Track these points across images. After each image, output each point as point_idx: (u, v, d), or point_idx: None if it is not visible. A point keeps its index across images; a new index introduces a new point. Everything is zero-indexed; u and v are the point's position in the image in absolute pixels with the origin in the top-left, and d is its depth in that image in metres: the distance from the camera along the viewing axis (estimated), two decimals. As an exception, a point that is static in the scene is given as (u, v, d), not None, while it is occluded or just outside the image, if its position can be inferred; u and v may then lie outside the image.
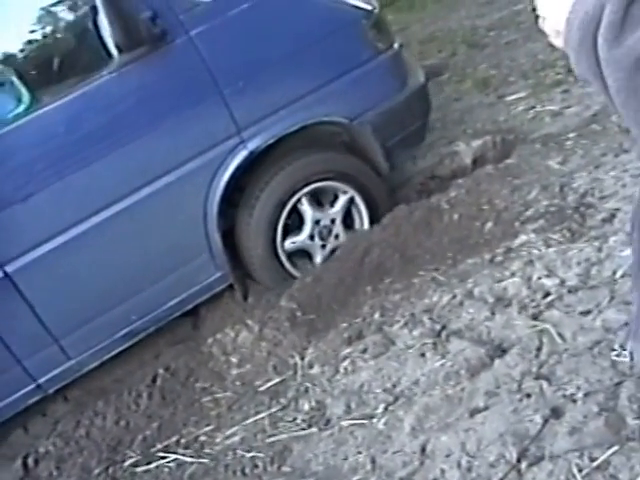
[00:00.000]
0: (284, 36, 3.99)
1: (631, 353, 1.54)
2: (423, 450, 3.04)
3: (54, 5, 3.92)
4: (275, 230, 4.19)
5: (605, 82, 1.09)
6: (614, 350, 3.11)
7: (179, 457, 3.58)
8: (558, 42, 1.20)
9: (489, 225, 4.11)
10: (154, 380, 4.04)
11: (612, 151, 4.36)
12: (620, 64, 1.05)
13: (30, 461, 3.89)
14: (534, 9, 1.30)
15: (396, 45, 4.37)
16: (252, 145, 3.96)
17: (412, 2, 8.21)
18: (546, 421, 2.92)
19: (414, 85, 4.44)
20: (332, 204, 4.37)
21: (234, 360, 3.99)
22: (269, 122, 3.97)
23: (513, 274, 3.71)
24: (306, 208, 4.25)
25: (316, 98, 4.06)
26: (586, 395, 2.96)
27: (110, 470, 3.65)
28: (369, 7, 4.25)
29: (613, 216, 3.83)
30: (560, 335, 3.28)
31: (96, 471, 3.68)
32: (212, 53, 3.80)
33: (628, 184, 4.01)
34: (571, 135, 4.59)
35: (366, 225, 4.40)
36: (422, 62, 6.48)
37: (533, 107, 5.12)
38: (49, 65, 4.06)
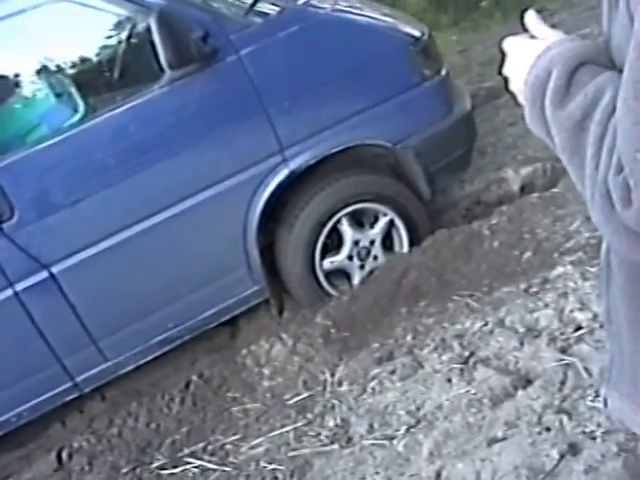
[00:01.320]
0: (331, 58, 4.05)
1: (605, 400, 1.57)
2: (438, 476, 3.06)
3: (114, 21, 4.05)
4: (314, 249, 4.24)
5: (553, 140, 1.19)
6: (589, 396, 3.12)
7: (204, 463, 3.65)
8: (521, 100, 1.27)
9: (528, 254, 4.12)
10: (187, 386, 4.12)
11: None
12: (563, 125, 1.15)
13: (64, 455, 4.00)
14: (500, 72, 1.38)
15: (443, 72, 4.41)
16: (294, 164, 4.02)
17: (476, 24, 8.20)
18: (562, 457, 2.93)
19: (460, 112, 4.47)
20: (372, 225, 4.41)
21: (266, 372, 4.05)
22: (312, 142, 4.03)
23: (546, 305, 3.70)
24: (346, 228, 4.30)
25: (360, 120, 4.10)
26: (606, 433, 2.95)
27: (137, 470, 3.74)
28: (418, 33, 4.31)
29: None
30: (586, 370, 3.27)
31: (124, 470, 3.77)
32: (260, 72, 3.88)
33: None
34: (621, 170, 4.58)
35: (405, 248, 4.43)
36: (481, 84, 6.52)
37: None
38: (105, 77, 4.20)
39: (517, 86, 1.29)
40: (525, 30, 1.36)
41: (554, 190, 4.60)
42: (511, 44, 1.35)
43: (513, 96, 1.33)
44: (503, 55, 1.36)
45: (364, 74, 4.11)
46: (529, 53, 1.25)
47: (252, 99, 3.90)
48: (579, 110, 1.13)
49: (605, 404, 1.57)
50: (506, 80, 1.34)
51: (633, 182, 1.02)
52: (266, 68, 3.92)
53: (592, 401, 3.10)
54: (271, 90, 3.96)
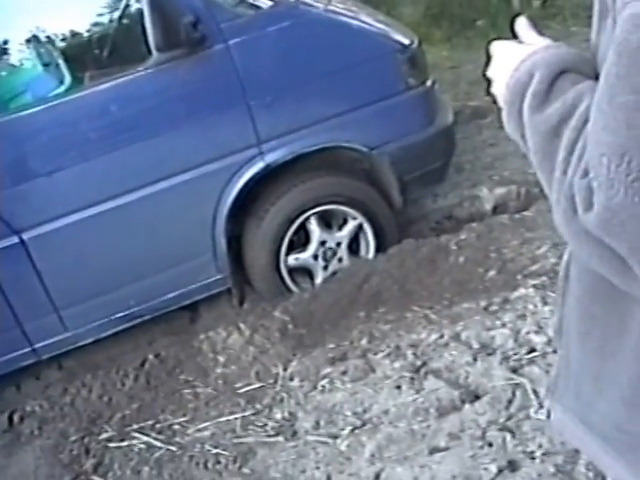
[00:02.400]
0: (318, 58, 4.09)
1: (548, 412, 1.61)
2: (377, 477, 3.12)
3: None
4: (280, 244, 4.28)
5: (527, 143, 1.21)
6: (533, 407, 3.19)
7: (150, 440, 3.69)
8: (500, 103, 1.31)
9: (492, 273, 4.17)
10: (143, 364, 4.16)
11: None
12: (538, 129, 1.17)
13: (16, 417, 4.06)
14: (484, 74, 1.41)
15: (429, 82, 4.45)
16: (270, 158, 4.07)
17: (470, 42, 8.22)
18: (500, 472, 2.99)
19: (441, 124, 4.51)
20: (340, 228, 4.45)
21: (221, 359, 4.09)
22: (290, 139, 4.07)
23: (504, 325, 3.76)
24: (314, 227, 4.34)
25: (339, 122, 4.15)
26: (545, 454, 3.01)
27: (85, 440, 3.76)
28: (407, 41, 4.34)
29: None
30: (535, 392, 3.33)
31: (73, 438, 3.80)
32: (246, 64, 3.92)
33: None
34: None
35: (371, 254, 4.47)
36: (467, 102, 6.57)
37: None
38: (93, 53, 4.24)
39: (499, 88, 1.32)
40: (514, 36, 1.39)
41: (525, 213, 4.66)
42: (498, 47, 1.38)
43: (494, 100, 1.36)
44: (489, 57, 1.39)
45: (349, 76, 4.15)
46: (514, 57, 1.28)
47: (235, 90, 3.93)
48: (556, 115, 1.15)
49: (548, 416, 1.61)
50: (489, 82, 1.38)
51: (596, 185, 1.04)
52: (253, 60, 3.96)
53: (536, 413, 3.16)
54: (255, 83, 3.99)
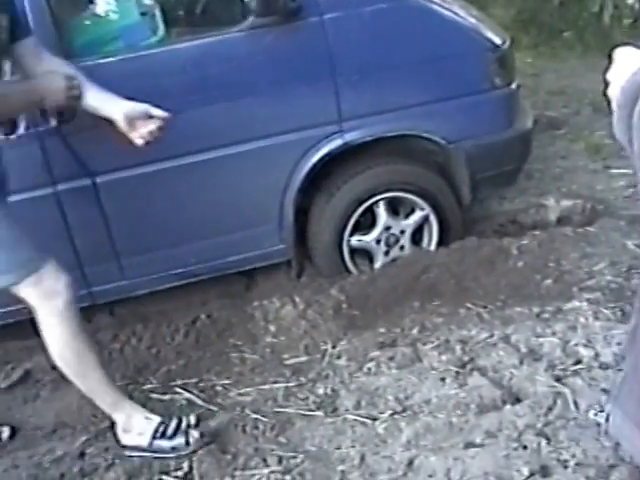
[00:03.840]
0: (409, 44, 4.11)
1: (608, 415, 1.64)
2: (410, 463, 3.15)
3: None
4: (346, 223, 4.32)
5: (632, 146, 1.25)
6: (594, 409, 3.20)
7: (192, 397, 3.76)
8: (613, 106, 1.34)
9: (548, 282, 4.19)
10: (194, 322, 4.24)
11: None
12: None
13: (66, 355, 4.13)
14: (603, 76, 1.45)
15: (514, 85, 4.46)
16: (349, 137, 4.10)
17: (555, 52, 8.21)
18: (532, 475, 3.00)
19: (520, 128, 4.52)
20: (407, 216, 4.48)
21: (272, 329, 4.15)
22: (371, 120, 4.11)
23: (554, 334, 3.78)
24: (381, 212, 4.38)
25: (421, 112, 4.18)
26: (578, 465, 3.02)
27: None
28: (498, 41, 4.35)
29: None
30: (575, 403, 3.34)
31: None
32: (338, 40, 3.96)
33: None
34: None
35: (433, 246, 4.52)
36: (544, 112, 6.57)
37: (634, 186, 5.13)
38: (189, 10, 4.29)
39: (614, 91, 1.35)
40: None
41: (589, 228, 4.66)
42: (621, 51, 1.41)
43: (608, 102, 1.39)
44: (610, 61, 1.42)
45: (436, 68, 4.18)
46: (633, 62, 1.32)
47: (324, 64, 3.98)
48: None
49: (607, 419, 1.63)
50: (606, 84, 1.41)
51: None
52: (345, 37, 4.00)
53: (595, 415, 3.17)
54: (344, 60, 4.02)
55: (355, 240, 4.41)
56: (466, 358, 3.71)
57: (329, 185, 4.31)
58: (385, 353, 3.84)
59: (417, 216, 4.47)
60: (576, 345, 3.69)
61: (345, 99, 4.06)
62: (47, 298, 3.15)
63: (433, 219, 4.46)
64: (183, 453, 3.38)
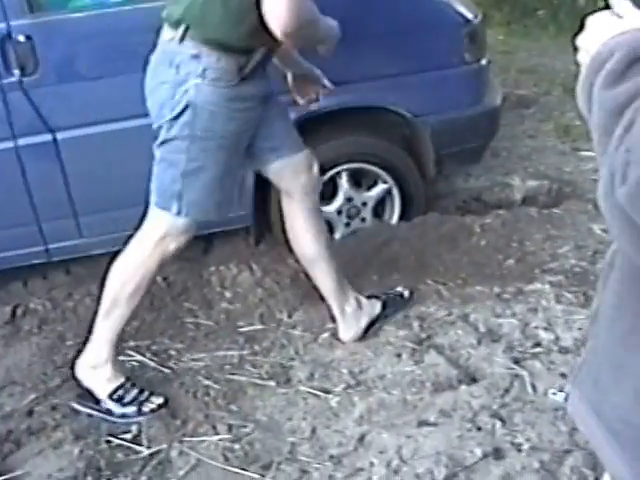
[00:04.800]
0: (379, 16, 4.03)
1: (567, 395, 1.61)
2: (362, 438, 3.11)
3: None
4: (307, 192, 4.23)
5: (592, 118, 1.22)
6: (553, 389, 3.17)
7: (145, 360, 3.69)
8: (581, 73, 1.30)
9: (510, 262, 4.15)
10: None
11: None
12: (604, 105, 1.18)
13: (19, 311, 4.09)
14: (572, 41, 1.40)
15: (484, 61, 4.41)
16: (314, 105, 3.98)
17: (528, 30, 8.17)
18: (485, 457, 2.97)
19: (488, 105, 4.48)
20: (369, 188, 4.42)
21: (227, 295, 4.08)
22: (339, 90, 4.00)
23: (514, 315, 3.74)
24: (343, 183, 4.32)
25: (389, 84, 4.13)
26: (532, 449, 3.00)
27: (82, 347, 3.74)
28: (470, 16, 4.29)
29: (634, 294, 3.84)
30: (533, 386, 3.32)
31: (69, 342, 3.81)
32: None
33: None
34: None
35: (395, 219, 4.45)
36: (514, 90, 6.54)
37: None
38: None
39: (583, 58, 1.31)
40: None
41: (555, 210, 4.63)
42: (594, 18, 1.35)
43: (578, 71, 1.35)
44: (581, 28, 1.37)
45: (406, 40, 4.11)
46: (606, 30, 1.26)
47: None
48: (624, 95, 1.15)
49: (566, 399, 1.62)
50: (576, 49, 1.36)
51: (633, 159, 1.07)
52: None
53: (554, 394, 3.12)
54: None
55: (316, 210, 4.32)
56: (423, 335, 3.67)
57: (293, 153, 4.20)
58: (342, 325, 3.78)
59: (380, 189, 4.40)
60: (536, 328, 3.66)
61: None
62: None
63: (396, 192, 4.40)
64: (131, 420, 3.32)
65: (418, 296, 3.94)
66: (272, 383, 3.49)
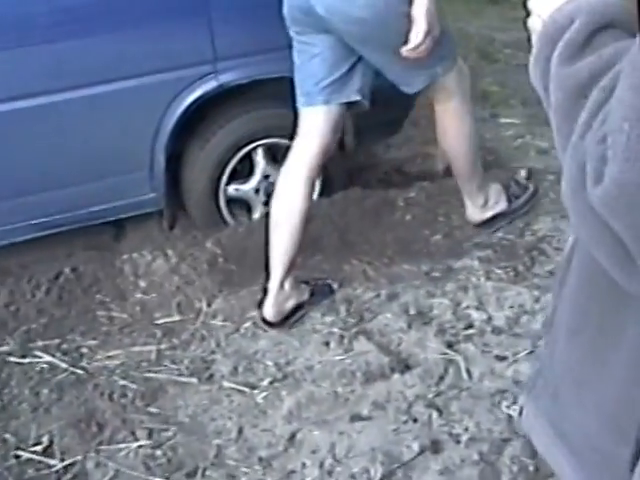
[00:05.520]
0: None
1: (521, 408, 1.47)
2: (292, 437, 2.97)
3: None
4: (222, 171, 4.00)
5: (549, 97, 1.03)
6: (506, 401, 3.04)
7: (55, 360, 3.44)
8: (533, 41, 1.11)
9: (437, 237, 3.99)
10: (57, 277, 3.85)
11: (582, 206, 4.25)
12: (564, 83, 0.99)
13: None
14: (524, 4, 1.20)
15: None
16: (224, 78, 3.78)
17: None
18: (422, 452, 2.87)
19: (407, 73, 4.28)
20: (287, 164, 4.19)
21: (142, 284, 3.83)
22: (248, 61, 3.81)
23: (444, 294, 3.60)
24: (260, 159, 4.07)
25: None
26: (471, 440, 2.90)
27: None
28: None
29: (562, 271, 3.73)
30: (468, 372, 3.20)
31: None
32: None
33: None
34: (550, 177, 4.47)
35: (314, 196, 4.23)
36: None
37: (522, 137, 4.94)
38: None
39: (535, 24, 1.12)
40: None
41: (479, 180, 4.49)
42: None
43: (529, 37, 1.15)
44: None
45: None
46: None
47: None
48: (587, 71, 0.96)
49: (520, 413, 1.47)
50: (528, 13, 1.16)
51: (611, 154, 0.87)
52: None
53: (508, 407, 3.01)
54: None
55: (232, 189, 4.10)
56: (351, 320, 3.50)
57: (204, 130, 3.98)
58: (264, 312, 3.59)
59: (297, 163, 4.17)
60: (467, 308, 3.53)
61: (221, 36, 3.73)
62: None
63: (315, 167, 4.18)
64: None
65: (343, 277, 3.76)
66: (194, 380, 3.29)
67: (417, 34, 3.19)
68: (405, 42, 3.22)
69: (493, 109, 5.57)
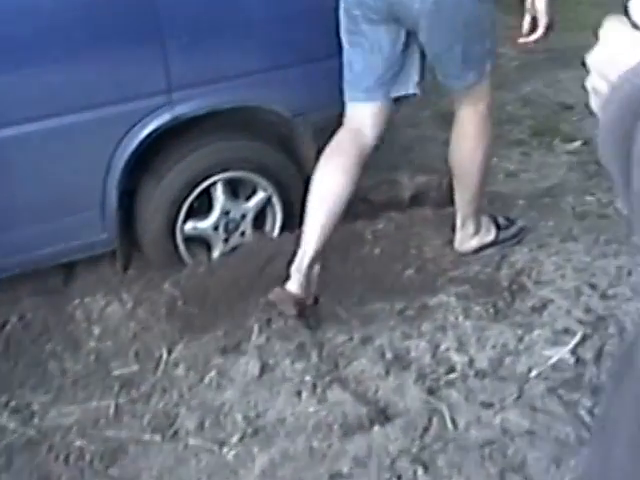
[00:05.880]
0: (250, 1, 3.63)
1: None
2: (268, 500, 2.71)
3: None
4: (179, 208, 3.74)
5: (630, 180, 0.79)
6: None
7: (3, 421, 3.16)
8: (594, 104, 0.87)
9: (410, 272, 3.77)
10: (4, 326, 3.57)
11: (559, 234, 4.07)
12: None
13: None
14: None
15: (367, 44, 4.01)
16: (180, 110, 3.54)
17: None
18: (409, 513, 2.62)
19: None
20: (248, 198, 3.94)
21: (96, 331, 3.55)
22: (205, 90, 3.58)
23: (421, 335, 3.38)
24: (219, 194, 3.82)
25: (264, 80, 3.69)
26: (457, 501, 2.68)
27: None
28: None
29: (544, 307, 3.53)
30: (453, 421, 2.98)
31: None
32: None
33: (568, 276, 3.71)
34: (520, 202, 4.29)
35: (277, 231, 4.00)
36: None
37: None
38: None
39: (598, 85, 0.88)
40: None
41: (450, 209, 4.27)
42: (610, 28, 0.88)
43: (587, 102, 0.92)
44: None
45: (282, 28, 3.69)
46: (632, 51, 0.83)
47: (151, 21, 3.41)
48: None
49: None
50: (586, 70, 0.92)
51: None
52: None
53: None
54: (174, 17, 3.46)
55: (190, 227, 3.84)
56: (324, 367, 3.26)
57: (159, 165, 3.73)
58: (229, 360, 3.34)
59: (259, 198, 3.93)
60: (447, 350, 3.31)
61: (175, 64, 3.49)
62: None
63: (277, 201, 3.95)
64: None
65: (312, 319, 3.52)
66: (157, 437, 3.03)
67: (542, 26, 3.36)
68: (471, 32, 3.40)
69: (455, 131, 5.38)
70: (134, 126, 3.50)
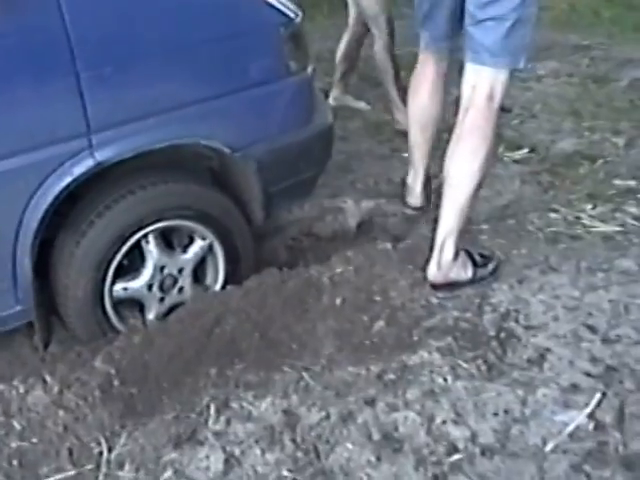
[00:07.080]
0: (177, 23, 3.08)
1: None
2: None
3: None
4: (106, 269, 3.18)
5: None
6: None
7: None
8: None
9: (380, 324, 3.27)
10: None
11: (537, 265, 3.65)
12: None
13: None
14: None
15: (310, 69, 3.50)
16: (102, 155, 2.97)
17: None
18: None
19: (320, 124, 3.59)
20: (185, 249, 3.41)
21: (17, 427, 2.92)
22: (131, 129, 3.01)
23: (408, 405, 2.88)
24: (152, 248, 3.28)
25: (197, 113, 3.15)
26: None
27: None
28: (292, 14, 3.36)
29: (542, 358, 3.07)
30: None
31: None
32: (79, 20, 2.82)
33: (561, 318, 3.27)
34: (484, 227, 3.86)
35: (219, 283, 3.47)
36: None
37: (435, 176, 4.23)
38: None
39: None
40: None
41: (409, 241, 3.79)
42: None
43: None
44: None
45: (215, 52, 3.15)
46: None
47: (61, 51, 2.81)
48: None
49: None
50: None
51: None
52: (89, 16, 2.86)
53: None
54: (89, 47, 2.87)
55: (119, 288, 3.28)
56: (302, 456, 2.73)
57: (78, 221, 3.14)
58: (184, 453, 2.78)
59: (198, 247, 3.40)
60: (444, 423, 2.83)
61: (94, 102, 2.90)
62: None
63: (218, 249, 3.42)
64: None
65: (276, 391, 3.00)
66: None
67: None
68: (524, 14, 3.34)
69: (391, 143, 4.92)
70: (48, 177, 2.91)
